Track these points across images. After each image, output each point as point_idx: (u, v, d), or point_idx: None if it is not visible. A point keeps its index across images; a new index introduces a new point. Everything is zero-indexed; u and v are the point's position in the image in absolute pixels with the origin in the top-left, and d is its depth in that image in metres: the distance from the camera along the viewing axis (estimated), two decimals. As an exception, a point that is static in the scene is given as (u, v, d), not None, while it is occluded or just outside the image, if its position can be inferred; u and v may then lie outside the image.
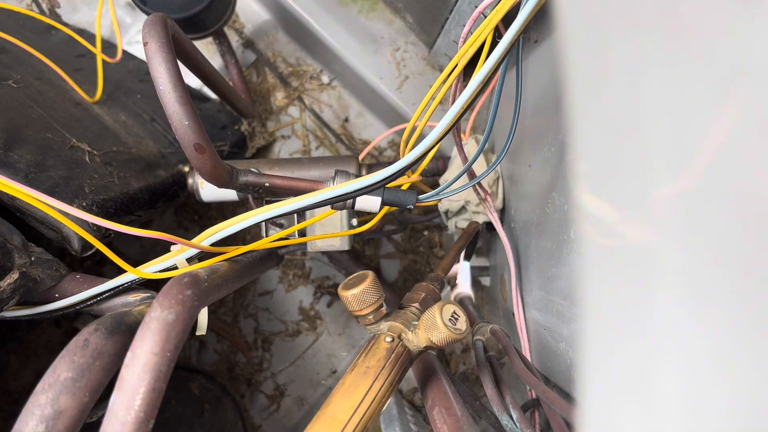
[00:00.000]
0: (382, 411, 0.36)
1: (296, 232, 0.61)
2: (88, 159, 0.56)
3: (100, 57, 0.69)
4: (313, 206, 0.41)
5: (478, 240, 0.65)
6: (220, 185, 0.43)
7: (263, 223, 0.57)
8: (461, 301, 0.64)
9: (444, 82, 0.41)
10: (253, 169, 0.49)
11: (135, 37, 0.90)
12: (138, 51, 0.87)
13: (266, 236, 0.61)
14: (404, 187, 0.50)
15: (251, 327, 0.94)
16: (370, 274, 0.40)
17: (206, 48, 0.89)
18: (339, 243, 0.64)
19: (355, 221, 0.66)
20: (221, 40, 0.80)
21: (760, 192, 0.15)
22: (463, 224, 0.68)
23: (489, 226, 0.67)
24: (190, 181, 0.68)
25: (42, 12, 0.85)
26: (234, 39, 0.90)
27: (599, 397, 0.19)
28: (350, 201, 0.43)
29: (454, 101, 0.39)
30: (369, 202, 0.43)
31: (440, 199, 0.48)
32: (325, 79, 0.92)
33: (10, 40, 0.63)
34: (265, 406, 0.94)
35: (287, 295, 0.95)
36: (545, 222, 0.49)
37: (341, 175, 0.44)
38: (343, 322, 0.95)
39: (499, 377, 0.44)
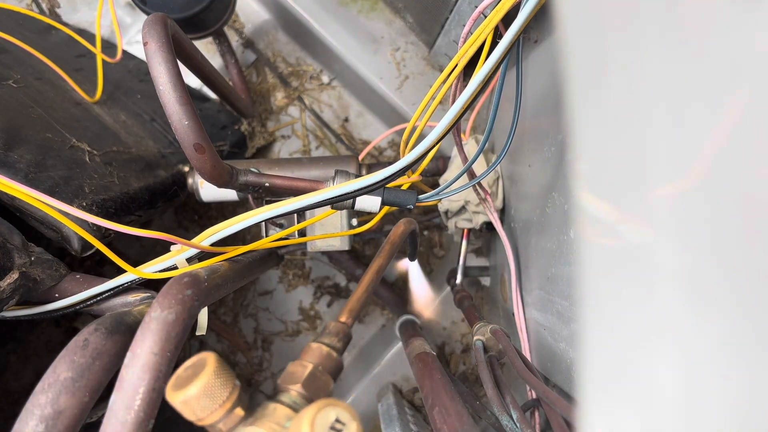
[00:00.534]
0: None
1: (296, 232, 0.61)
2: (88, 159, 0.56)
3: (100, 57, 0.69)
4: (313, 206, 0.41)
5: (418, 240, 0.56)
6: (220, 185, 0.43)
7: (263, 223, 0.57)
8: (461, 302, 0.64)
9: (444, 82, 0.41)
10: (253, 169, 0.49)
11: (135, 37, 0.90)
12: (138, 51, 0.87)
13: (266, 236, 0.61)
14: (404, 187, 0.50)
15: (251, 327, 0.94)
16: (211, 357, 0.27)
17: (206, 48, 0.89)
18: (339, 243, 0.64)
19: (355, 221, 0.66)
20: (221, 40, 0.80)
21: (760, 192, 0.15)
22: (464, 224, 0.68)
23: (489, 226, 0.67)
24: (190, 181, 0.68)
25: (42, 12, 0.85)
26: (234, 39, 0.90)
27: (599, 397, 0.19)
28: (350, 201, 0.43)
29: (454, 101, 0.39)
30: (369, 202, 0.43)
31: (440, 199, 0.48)
32: (325, 79, 0.92)
33: (10, 40, 0.63)
34: (265, 406, 0.94)
35: (287, 295, 0.95)
36: (545, 222, 0.49)
37: (341, 175, 0.44)
38: (343, 322, 0.95)
39: (499, 377, 0.44)
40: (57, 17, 0.85)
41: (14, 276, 0.39)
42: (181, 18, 0.66)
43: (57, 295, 0.43)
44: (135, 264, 0.41)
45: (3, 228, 0.41)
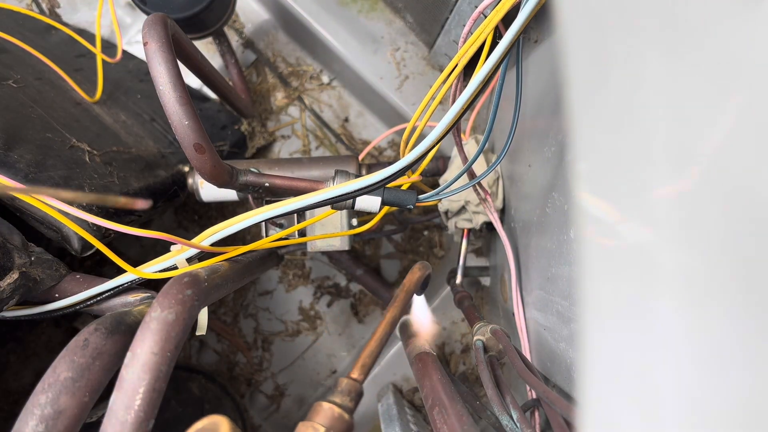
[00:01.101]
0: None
1: (296, 232, 0.61)
2: (88, 159, 0.56)
3: (100, 57, 0.69)
4: (313, 206, 0.41)
5: (429, 281, 0.54)
6: (220, 185, 0.43)
7: (263, 223, 0.57)
8: (461, 302, 0.64)
9: (444, 82, 0.41)
10: (253, 169, 0.49)
11: (135, 37, 0.90)
12: (138, 51, 0.87)
13: (266, 236, 0.61)
14: (404, 187, 0.50)
15: (251, 327, 0.94)
16: (224, 423, 0.26)
17: (206, 48, 0.89)
18: (339, 243, 0.64)
19: (355, 221, 0.66)
20: (221, 40, 0.80)
21: (760, 191, 0.15)
22: (463, 224, 0.68)
23: (489, 226, 0.67)
24: (190, 181, 0.68)
25: (42, 12, 0.85)
26: (234, 39, 0.90)
27: (599, 397, 0.19)
28: (350, 201, 0.43)
29: (454, 101, 0.39)
30: (369, 202, 0.43)
31: (440, 199, 0.48)
32: (325, 79, 0.92)
33: (10, 40, 0.63)
34: (265, 406, 0.94)
35: (287, 295, 0.95)
36: (545, 222, 0.49)
37: (341, 175, 0.44)
38: (343, 322, 0.95)
39: (499, 377, 0.44)
40: (57, 17, 0.85)
41: (14, 276, 0.39)
42: (181, 18, 0.66)
43: (57, 295, 0.43)
44: (135, 264, 0.41)
45: (3, 228, 0.41)
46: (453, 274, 0.72)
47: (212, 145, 0.39)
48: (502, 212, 0.67)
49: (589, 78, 0.20)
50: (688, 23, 0.16)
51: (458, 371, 0.92)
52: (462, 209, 0.67)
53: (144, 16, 0.60)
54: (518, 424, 0.39)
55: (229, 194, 0.66)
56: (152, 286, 0.42)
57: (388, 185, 0.42)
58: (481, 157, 0.65)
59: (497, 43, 0.34)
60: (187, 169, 0.70)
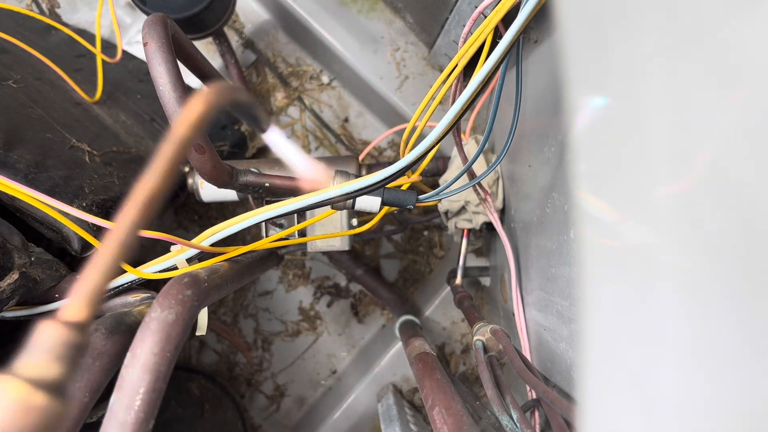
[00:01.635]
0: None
1: (296, 232, 0.61)
2: (88, 159, 0.56)
3: (99, 57, 0.69)
4: (313, 206, 0.41)
5: (256, 110, 0.43)
6: (220, 185, 0.43)
7: (263, 223, 0.57)
8: (461, 302, 0.64)
9: (444, 82, 0.41)
10: (253, 169, 0.49)
11: (135, 37, 0.90)
12: (138, 51, 0.87)
13: (266, 236, 0.61)
14: (404, 187, 0.50)
15: (251, 327, 0.94)
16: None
17: (206, 48, 0.89)
18: (339, 243, 0.64)
19: (355, 221, 0.66)
20: (221, 40, 0.80)
21: (760, 191, 0.15)
22: (463, 224, 0.68)
23: (489, 226, 0.67)
24: (190, 181, 0.68)
25: (42, 12, 0.85)
26: (234, 39, 0.90)
27: (599, 398, 0.19)
28: (350, 201, 0.43)
29: (454, 101, 0.39)
30: (369, 202, 0.43)
31: (440, 199, 0.48)
32: (325, 79, 0.92)
33: (10, 40, 0.63)
34: (265, 406, 0.94)
35: (287, 295, 0.95)
36: (545, 222, 0.49)
37: (341, 175, 0.44)
38: (343, 322, 0.95)
39: (499, 377, 0.44)
40: (57, 17, 0.85)
41: (14, 276, 0.39)
42: (181, 18, 0.66)
43: (57, 295, 0.43)
44: (135, 264, 0.41)
45: (3, 228, 0.41)
46: (453, 274, 0.72)
47: (212, 146, 0.39)
48: (502, 212, 0.67)
49: (589, 78, 0.20)
50: (688, 23, 0.16)
51: (458, 371, 0.92)
52: (462, 209, 0.67)
53: (144, 16, 0.60)
54: (518, 424, 0.39)
55: (229, 194, 0.66)
56: (152, 286, 0.42)
57: (388, 185, 0.42)
58: (481, 157, 0.65)
59: (497, 43, 0.34)
60: (187, 169, 0.70)
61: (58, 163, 0.51)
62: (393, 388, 0.88)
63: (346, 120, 0.92)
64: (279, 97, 0.92)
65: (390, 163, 0.42)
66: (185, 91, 0.37)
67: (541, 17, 0.50)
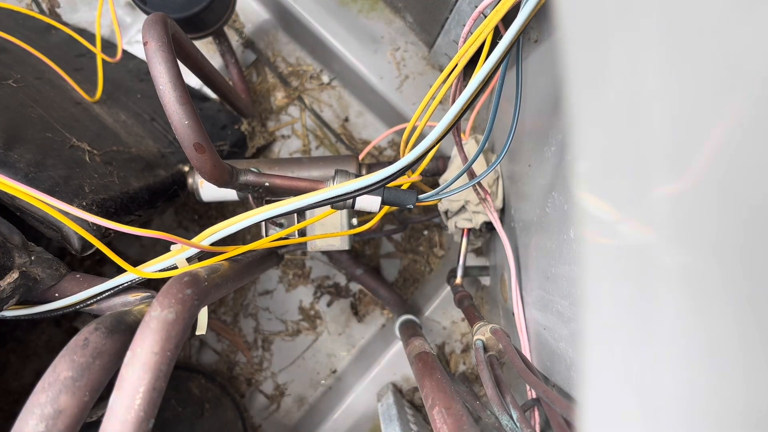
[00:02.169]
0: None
1: (296, 232, 0.61)
2: (88, 158, 0.56)
3: (100, 57, 0.69)
4: (313, 206, 0.41)
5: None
6: (220, 185, 0.43)
7: (263, 222, 0.57)
8: (461, 302, 0.64)
9: (444, 82, 0.41)
10: (253, 169, 0.49)
11: (135, 36, 0.90)
12: (138, 51, 0.87)
13: (266, 236, 0.61)
14: (404, 187, 0.50)
15: (251, 326, 0.94)
16: None
17: (206, 48, 0.89)
18: (339, 243, 0.64)
19: (355, 221, 0.66)
20: (221, 39, 0.80)
21: (760, 191, 0.15)
22: (464, 224, 0.68)
23: (489, 226, 0.67)
24: (190, 180, 0.68)
25: (42, 12, 0.85)
26: (234, 39, 0.90)
27: (599, 397, 0.19)
28: (350, 201, 0.43)
29: (454, 101, 0.39)
30: (369, 202, 0.43)
31: (440, 199, 0.48)
32: (325, 78, 0.92)
33: (10, 40, 0.63)
34: (265, 406, 0.94)
35: (287, 294, 0.95)
36: (545, 222, 0.49)
37: (341, 175, 0.44)
38: (343, 322, 0.95)
39: (499, 377, 0.44)
40: (57, 17, 0.85)
41: (14, 275, 0.39)
42: (181, 18, 0.66)
43: (57, 294, 0.43)
44: (135, 264, 0.41)
45: (3, 228, 0.41)
46: (453, 274, 0.72)
47: (212, 145, 0.39)
48: (502, 212, 0.67)
49: (589, 78, 0.20)
50: (688, 23, 0.16)
51: (458, 371, 0.92)
52: (462, 209, 0.67)
53: (144, 16, 0.60)
54: (518, 424, 0.39)
55: (229, 194, 0.66)
56: (152, 285, 0.42)
57: (388, 185, 0.42)
58: (481, 157, 0.65)
59: (497, 43, 0.34)
60: (187, 168, 0.70)
61: (58, 163, 0.51)
62: (393, 387, 0.88)
63: (347, 119, 0.92)
64: (279, 97, 0.92)
65: (390, 163, 0.42)
66: (185, 91, 0.37)
67: (541, 17, 0.50)
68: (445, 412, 0.38)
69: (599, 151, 0.20)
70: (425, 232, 0.94)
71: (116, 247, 0.92)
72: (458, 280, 0.70)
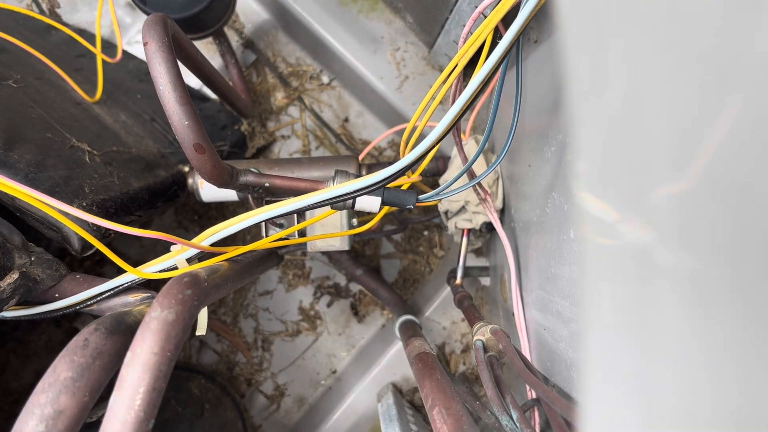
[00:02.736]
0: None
1: (296, 232, 0.61)
2: (88, 159, 0.56)
3: (100, 57, 0.69)
4: (313, 206, 0.41)
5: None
6: (220, 185, 0.43)
7: (263, 223, 0.57)
8: (461, 302, 0.64)
9: (444, 82, 0.41)
10: (253, 169, 0.49)
11: (135, 37, 0.90)
12: (138, 51, 0.87)
13: (266, 236, 0.61)
14: (404, 187, 0.50)
15: (251, 327, 0.94)
16: None
17: (206, 48, 0.89)
18: (339, 243, 0.64)
19: (355, 221, 0.66)
20: (221, 40, 0.80)
21: (760, 191, 0.15)
22: (463, 224, 0.68)
23: (489, 226, 0.67)
24: (190, 181, 0.68)
25: (42, 12, 0.85)
26: (234, 39, 0.90)
27: (599, 397, 0.19)
28: (350, 201, 0.43)
29: (454, 101, 0.39)
30: (369, 202, 0.43)
31: (440, 199, 0.48)
32: (325, 79, 0.92)
33: (10, 40, 0.63)
34: (265, 406, 0.94)
35: (287, 295, 0.95)
36: (545, 222, 0.49)
37: (341, 175, 0.44)
38: (343, 322, 0.95)
39: (499, 377, 0.44)
40: (57, 17, 0.85)
41: (14, 276, 0.39)
42: (181, 18, 0.66)
43: (57, 295, 0.43)
44: (135, 264, 0.41)
45: (3, 228, 0.41)
46: (453, 274, 0.72)
47: (212, 145, 0.40)
48: (502, 212, 0.67)
49: (589, 78, 0.20)
50: (688, 23, 0.16)
51: (458, 371, 0.92)
52: (462, 209, 0.67)
53: (144, 16, 0.60)
54: (518, 424, 0.39)
55: (229, 194, 0.66)
56: (152, 286, 0.42)
57: (388, 185, 0.42)
58: (481, 157, 0.65)
59: (497, 43, 0.34)
60: (187, 169, 0.70)
61: (58, 163, 0.51)
62: (393, 387, 0.88)
63: (346, 120, 0.92)
64: (279, 97, 0.92)
65: (390, 163, 0.42)
66: (185, 92, 0.37)
67: (541, 17, 0.50)
68: (445, 412, 0.38)
69: (599, 151, 0.20)
70: (425, 233, 0.94)
71: (116, 247, 0.92)
72: (458, 280, 0.70)
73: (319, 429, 0.91)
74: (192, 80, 0.87)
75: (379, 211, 0.44)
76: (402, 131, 0.84)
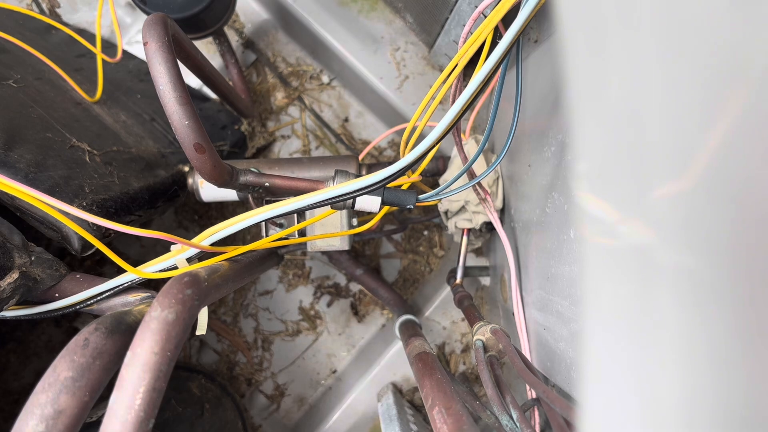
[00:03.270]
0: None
1: (296, 232, 0.61)
2: (88, 159, 0.56)
3: (100, 57, 0.69)
4: (313, 206, 0.41)
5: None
6: (220, 185, 0.43)
7: (263, 222, 0.57)
8: (461, 302, 0.64)
9: (444, 82, 0.41)
10: (253, 169, 0.49)
11: (135, 37, 0.90)
12: (138, 51, 0.87)
13: (266, 236, 0.61)
14: (404, 187, 0.50)
15: (251, 327, 0.94)
16: None
17: (206, 48, 0.89)
18: (339, 243, 0.64)
19: (355, 221, 0.66)
20: (221, 40, 0.80)
21: (759, 191, 0.15)
22: (463, 224, 0.68)
23: (489, 226, 0.67)
24: (190, 181, 0.68)
25: (42, 12, 0.85)
26: (234, 39, 0.90)
27: (599, 398, 0.19)
28: (350, 201, 0.43)
29: (454, 101, 0.39)
30: (369, 202, 0.43)
31: (440, 199, 0.48)
32: (325, 79, 0.92)
33: (10, 40, 0.63)
34: (265, 406, 0.94)
35: (287, 295, 0.95)
36: (545, 222, 0.49)
37: (341, 175, 0.44)
38: (343, 322, 0.95)
39: (499, 377, 0.44)
40: (57, 17, 0.85)
41: (14, 276, 0.39)
42: (181, 18, 0.66)
43: (57, 294, 0.43)
44: (135, 264, 0.41)
45: (3, 228, 0.41)
46: (453, 274, 0.72)
47: (212, 145, 0.40)
48: (502, 212, 0.67)
49: (589, 78, 0.20)
50: (688, 23, 0.16)
51: (458, 371, 0.92)
52: (462, 209, 0.67)
53: (144, 16, 0.60)
54: (518, 424, 0.39)
55: (229, 194, 0.66)
56: (152, 286, 0.42)
57: (388, 185, 0.42)
58: (481, 157, 0.65)
59: (497, 43, 0.34)
60: (187, 168, 0.70)
61: (58, 163, 0.51)
62: (393, 387, 0.88)
63: (346, 120, 0.92)
64: (279, 97, 0.92)
65: (390, 163, 0.42)
66: (185, 91, 0.37)
67: (541, 17, 0.50)
68: (445, 412, 0.38)
69: (599, 151, 0.20)
70: (425, 233, 0.94)
71: (116, 247, 0.92)
72: (458, 280, 0.70)
73: (319, 429, 0.91)
74: (192, 80, 0.87)
75: (379, 210, 0.44)
76: (402, 131, 0.84)
